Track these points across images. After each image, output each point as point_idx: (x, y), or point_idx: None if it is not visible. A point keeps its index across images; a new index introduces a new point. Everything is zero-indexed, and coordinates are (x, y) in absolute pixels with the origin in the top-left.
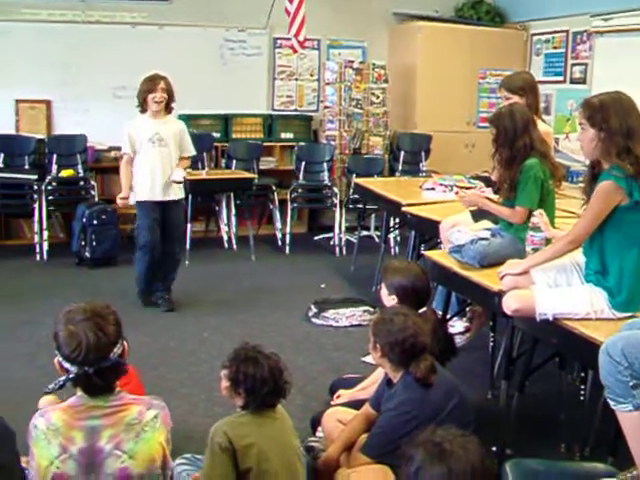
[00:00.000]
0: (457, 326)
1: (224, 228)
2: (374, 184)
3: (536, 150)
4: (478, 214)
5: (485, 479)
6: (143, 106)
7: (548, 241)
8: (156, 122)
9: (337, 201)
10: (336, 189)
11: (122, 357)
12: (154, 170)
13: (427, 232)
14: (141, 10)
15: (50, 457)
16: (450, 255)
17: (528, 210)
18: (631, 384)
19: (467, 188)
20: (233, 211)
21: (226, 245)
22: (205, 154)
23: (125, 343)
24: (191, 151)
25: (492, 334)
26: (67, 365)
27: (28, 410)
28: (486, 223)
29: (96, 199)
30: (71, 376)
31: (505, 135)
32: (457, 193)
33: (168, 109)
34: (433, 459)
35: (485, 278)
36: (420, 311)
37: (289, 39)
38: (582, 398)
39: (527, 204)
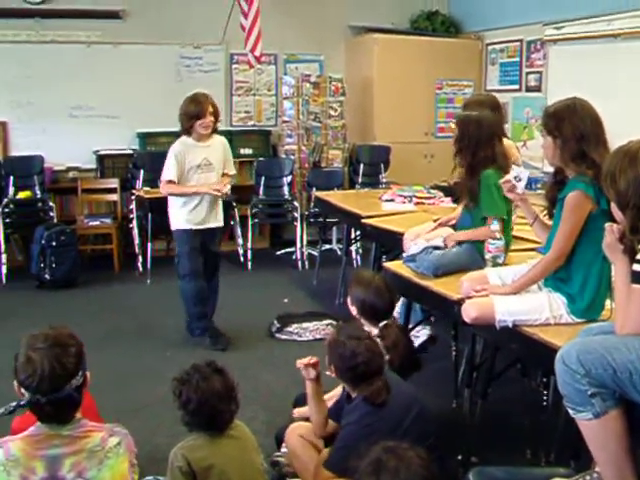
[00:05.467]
0: (422, 335)
1: None
2: (334, 197)
3: (497, 164)
4: None
5: None
6: (189, 131)
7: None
8: (203, 145)
9: (298, 215)
10: (297, 203)
11: (80, 389)
12: (201, 197)
13: (387, 243)
14: (95, 29)
15: None
16: (405, 265)
17: (493, 218)
18: (589, 392)
19: (426, 198)
20: None
21: None
22: None
23: (87, 374)
24: (232, 168)
25: (454, 342)
26: (23, 390)
27: None
28: (447, 230)
29: (55, 220)
30: (22, 402)
31: (468, 142)
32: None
33: (213, 129)
34: (369, 473)
35: (444, 287)
36: (382, 324)
37: (245, 54)
38: (545, 403)
39: (494, 212)
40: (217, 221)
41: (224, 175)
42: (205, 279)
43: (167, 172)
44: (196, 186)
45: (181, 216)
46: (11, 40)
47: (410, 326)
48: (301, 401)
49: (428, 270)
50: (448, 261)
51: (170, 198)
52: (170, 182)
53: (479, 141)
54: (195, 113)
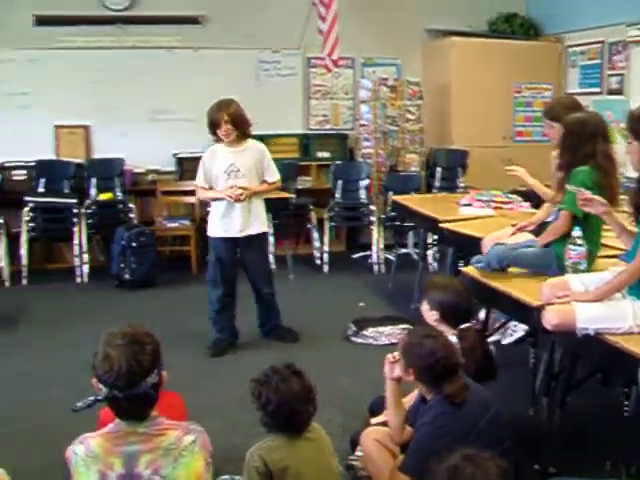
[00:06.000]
0: (519, 330)
1: None
2: (411, 201)
3: (595, 161)
4: None
5: None
6: (216, 137)
7: (590, 257)
8: (232, 151)
9: (374, 219)
10: (373, 207)
11: (157, 387)
12: (230, 204)
13: (465, 248)
14: (176, 34)
15: None
16: (473, 265)
17: (571, 214)
18: None
19: (505, 203)
20: (271, 231)
21: None
22: None
23: (163, 373)
24: (272, 176)
25: (533, 349)
26: (100, 385)
27: (66, 433)
28: (526, 235)
29: (135, 222)
30: (100, 397)
31: (571, 141)
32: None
33: (244, 135)
34: (444, 479)
35: (524, 293)
36: (462, 327)
37: (323, 58)
38: (626, 414)
39: (570, 208)
40: (254, 228)
41: (263, 182)
42: (254, 290)
43: (197, 178)
44: (217, 191)
45: (215, 223)
46: (94, 46)
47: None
48: (376, 407)
49: (492, 260)
50: (515, 255)
51: (210, 204)
52: (202, 188)
53: (581, 139)
54: (212, 122)
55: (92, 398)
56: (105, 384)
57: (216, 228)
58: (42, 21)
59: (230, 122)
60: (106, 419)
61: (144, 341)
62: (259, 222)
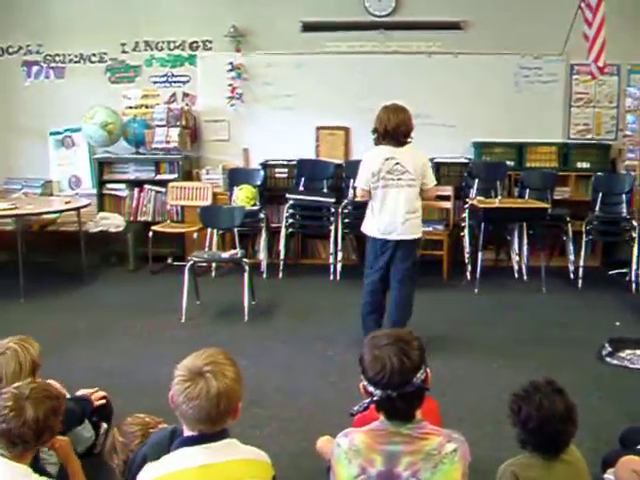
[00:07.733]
0: None
1: (515, 258)
2: None
3: None
4: None
5: None
6: None
7: None
8: None
9: (635, 235)
10: (635, 222)
11: (425, 383)
12: None
13: None
14: (437, 39)
15: (349, 476)
16: None
17: None
18: None
19: None
20: (525, 241)
21: (516, 275)
22: (498, 182)
23: (428, 370)
24: None
25: None
26: (371, 388)
27: (317, 423)
28: None
29: None
30: (375, 399)
31: None
32: None
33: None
34: None
35: None
36: None
37: (587, 65)
38: None
39: None
40: None
41: None
42: None
43: None
44: None
45: None
46: (358, 51)
47: None
48: (628, 438)
49: None
50: None
51: None
52: None
53: None
54: None
55: (367, 401)
56: (377, 385)
57: None
58: (308, 27)
59: None
60: (365, 419)
61: (408, 338)
62: None
